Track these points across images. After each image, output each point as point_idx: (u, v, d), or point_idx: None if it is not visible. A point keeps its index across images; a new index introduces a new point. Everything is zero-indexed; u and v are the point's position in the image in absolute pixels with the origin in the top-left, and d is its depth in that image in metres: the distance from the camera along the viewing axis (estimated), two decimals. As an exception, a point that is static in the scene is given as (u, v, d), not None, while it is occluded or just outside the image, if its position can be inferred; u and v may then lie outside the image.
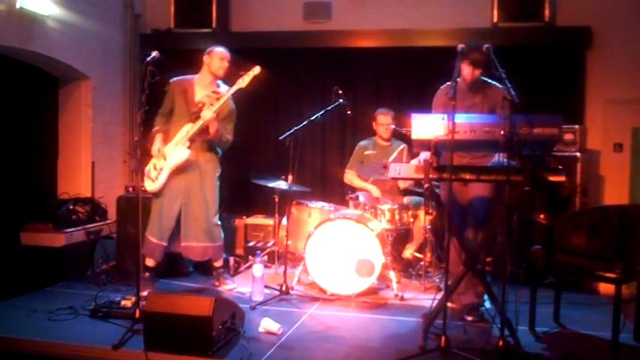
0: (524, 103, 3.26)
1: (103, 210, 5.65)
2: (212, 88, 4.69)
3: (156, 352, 3.36)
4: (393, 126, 5.45)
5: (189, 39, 6.39)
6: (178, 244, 4.70)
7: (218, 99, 4.58)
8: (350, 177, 5.68)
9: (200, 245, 4.67)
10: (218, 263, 4.89)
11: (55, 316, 4.05)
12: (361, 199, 5.35)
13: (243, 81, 4.49)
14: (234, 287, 4.88)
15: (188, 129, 4.58)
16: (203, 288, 4.90)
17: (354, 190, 5.66)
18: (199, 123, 4.51)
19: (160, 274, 4.82)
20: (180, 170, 4.61)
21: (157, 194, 4.68)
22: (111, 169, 6.35)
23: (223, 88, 4.70)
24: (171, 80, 4.69)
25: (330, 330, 3.93)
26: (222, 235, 4.82)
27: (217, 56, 4.66)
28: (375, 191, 5.43)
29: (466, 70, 3.99)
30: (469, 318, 4.05)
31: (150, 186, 4.66)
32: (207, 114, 4.47)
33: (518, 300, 3.40)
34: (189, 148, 4.59)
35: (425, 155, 3.69)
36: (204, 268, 5.22)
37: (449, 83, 3.34)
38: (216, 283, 4.91)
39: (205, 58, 4.69)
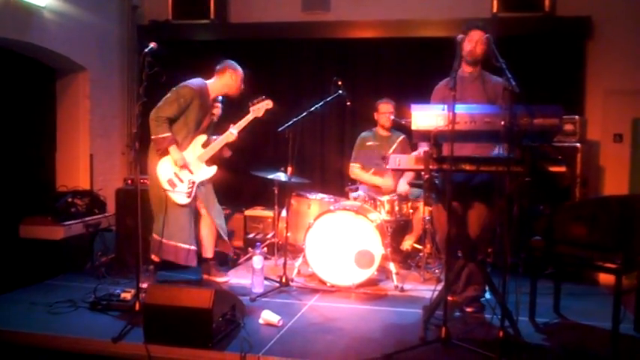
0: (524, 94, 3.24)
1: (101, 202, 5.64)
2: (216, 99, 4.76)
3: (156, 344, 3.36)
4: (393, 116, 5.44)
5: (188, 30, 6.37)
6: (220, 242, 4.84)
7: (217, 107, 4.74)
8: (356, 171, 5.63)
9: (226, 239, 4.86)
10: (209, 255, 4.87)
11: (55, 309, 4.05)
12: (360, 192, 5.34)
13: (259, 111, 4.66)
14: (228, 279, 4.88)
15: (204, 142, 4.64)
16: (203, 280, 4.89)
17: (354, 181, 5.65)
18: (223, 141, 4.64)
19: (160, 267, 4.82)
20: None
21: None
22: (109, 162, 6.33)
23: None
24: (191, 86, 4.49)
25: (330, 321, 3.92)
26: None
27: (240, 79, 4.68)
28: (387, 183, 5.39)
29: (468, 47, 3.91)
30: (469, 309, 4.04)
31: (183, 200, 4.56)
32: (232, 136, 4.64)
33: (518, 291, 3.39)
34: (209, 161, 4.68)
35: (424, 147, 3.67)
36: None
37: (447, 79, 3.31)
38: (205, 276, 4.88)
39: (230, 74, 4.63)
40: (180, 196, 4.56)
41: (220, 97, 4.75)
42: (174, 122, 4.52)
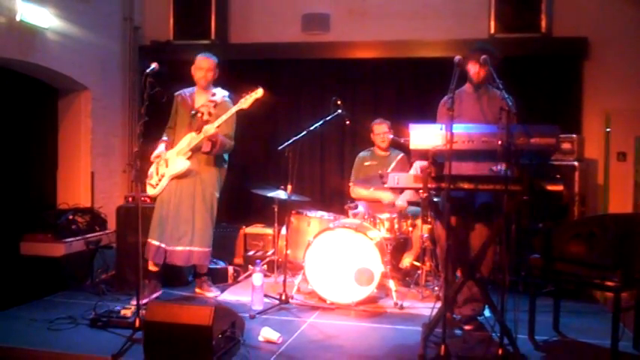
0: (522, 113, 3.28)
1: (102, 220, 5.67)
2: (207, 96, 4.78)
3: (156, 361, 3.36)
4: (391, 135, 5.48)
5: (189, 51, 6.37)
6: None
7: (215, 106, 4.68)
8: (357, 190, 5.60)
9: (185, 250, 4.66)
10: (202, 270, 4.90)
11: (55, 326, 4.05)
12: (360, 208, 5.36)
13: (246, 102, 4.55)
14: (217, 295, 4.89)
15: (190, 139, 4.66)
16: (203, 297, 4.90)
17: (353, 199, 5.67)
18: (201, 136, 4.58)
19: (161, 279, 4.85)
20: (180, 178, 4.69)
21: (158, 199, 4.77)
22: (110, 180, 6.36)
23: (219, 94, 4.79)
24: (175, 93, 4.86)
25: (329, 339, 3.93)
26: (210, 243, 4.80)
27: (196, 66, 4.80)
28: (387, 197, 5.31)
29: (473, 70, 4.00)
30: (467, 327, 4.05)
31: (150, 191, 4.81)
32: (210, 129, 4.53)
33: (517, 309, 3.40)
34: (190, 158, 4.68)
35: (420, 164, 3.70)
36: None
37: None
38: (197, 290, 4.92)
39: (192, 67, 4.83)
40: (149, 187, 4.79)
41: (213, 97, 4.76)
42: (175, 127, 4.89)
